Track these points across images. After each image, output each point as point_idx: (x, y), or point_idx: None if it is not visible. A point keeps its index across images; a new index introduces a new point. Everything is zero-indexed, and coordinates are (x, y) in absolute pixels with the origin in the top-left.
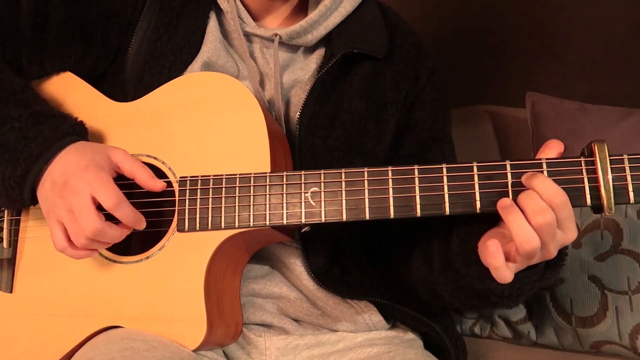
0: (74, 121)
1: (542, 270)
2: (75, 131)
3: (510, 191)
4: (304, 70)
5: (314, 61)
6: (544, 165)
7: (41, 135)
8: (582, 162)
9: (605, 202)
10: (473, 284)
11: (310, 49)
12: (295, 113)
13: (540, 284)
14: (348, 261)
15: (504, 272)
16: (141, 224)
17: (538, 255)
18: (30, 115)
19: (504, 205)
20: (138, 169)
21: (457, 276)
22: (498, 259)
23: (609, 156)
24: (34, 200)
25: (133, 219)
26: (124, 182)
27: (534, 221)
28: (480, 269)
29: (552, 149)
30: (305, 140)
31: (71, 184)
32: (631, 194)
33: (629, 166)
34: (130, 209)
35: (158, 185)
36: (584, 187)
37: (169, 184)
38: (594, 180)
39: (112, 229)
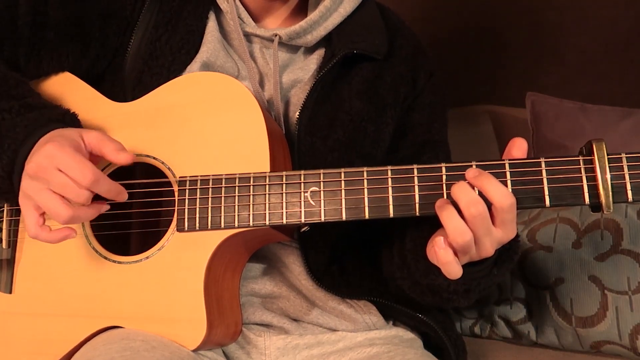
0: (64, 110)
1: (489, 267)
2: (64, 119)
3: (509, 189)
4: (303, 71)
5: (314, 61)
6: (542, 164)
7: (26, 120)
8: (581, 161)
9: (603, 200)
10: (421, 279)
11: (310, 50)
12: (295, 113)
13: (488, 280)
14: (347, 261)
15: (453, 268)
16: (123, 196)
17: (474, 250)
18: (21, 106)
19: (440, 204)
20: (106, 143)
21: (409, 271)
22: (447, 255)
23: (607, 155)
24: None
25: (115, 191)
26: (121, 183)
27: (467, 212)
28: (426, 264)
29: (517, 149)
30: (304, 141)
31: (35, 161)
32: (629, 193)
33: (627, 165)
34: (107, 181)
35: (126, 157)
36: (583, 185)
37: (169, 184)
38: (592, 179)
39: (106, 179)
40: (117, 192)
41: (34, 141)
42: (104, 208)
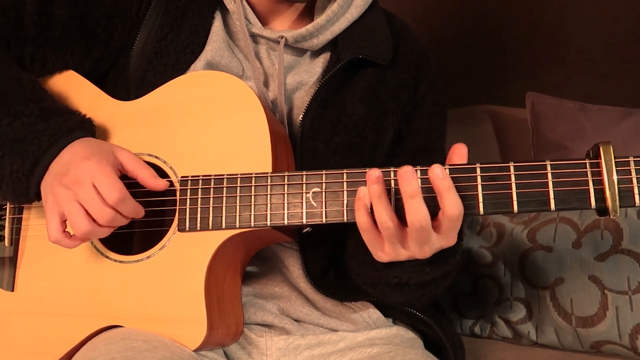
0: (82, 117)
1: (422, 264)
2: (84, 127)
3: (514, 193)
4: (309, 74)
5: (319, 65)
6: (548, 167)
7: (50, 129)
8: (587, 164)
9: (610, 204)
10: (360, 270)
11: (315, 53)
12: (298, 116)
13: (420, 276)
14: (344, 264)
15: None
16: (140, 213)
17: (412, 249)
18: (41, 110)
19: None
20: (140, 168)
21: (352, 264)
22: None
23: (615, 158)
24: (39, 196)
25: (135, 211)
26: (126, 182)
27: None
28: (364, 257)
29: (456, 155)
30: (307, 144)
31: (73, 174)
32: (637, 197)
33: (635, 168)
34: (132, 203)
35: (160, 184)
36: (589, 189)
37: (171, 183)
38: (599, 182)
39: (131, 199)
40: (137, 212)
41: (58, 150)
42: (119, 223)
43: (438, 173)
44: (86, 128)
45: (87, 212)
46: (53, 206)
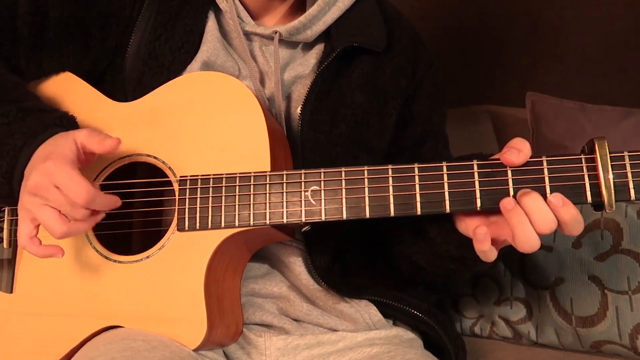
0: (60, 113)
1: None
2: (61, 123)
3: (510, 189)
4: (303, 66)
5: (313, 56)
6: (544, 163)
7: (25, 127)
8: (583, 160)
9: (605, 199)
10: (451, 252)
11: (309, 45)
12: (297, 109)
13: None
14: (349, 260)
15: (490, 254)
16: (117, 203)
17: None
18: (18, 110)
19: (509, 207)
20: (97, 141)
21: (432, 244)
22: (485, 244)
23: (610, 153)
24: None
25: (112, 202)
26: (122, 182)
27: (539, 230)
28: (459, 236)
29: (514, 147)
30: (307, 136)
31: (33, 179)
32: (632, 191)
33: (630, 163)
34: (102, 196)
35: (110, 141)
36: (585, 184)
37: (170, 183)
38: (594, 177)
39: (101, 195)
40: (113, 203)
41: (34, 148)
42: (99, 218)
43: (559, 202)
44: (64, 124)
45: (60, 213)
46: (22, 213)
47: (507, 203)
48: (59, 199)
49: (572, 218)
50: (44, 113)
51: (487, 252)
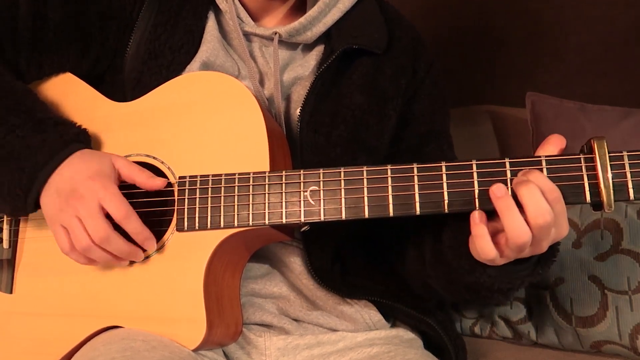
0: (77, 129)
1: (533, 266)
2: (79, 139)
3: (509, 189)
4: (303, 67)
5: (313, 58)
6: (544, 163)
7: (45, 144)
8: (582, 159)
9: (605, 199)
10: (464, 277)
11: (309, 46)
12: (296, 110)
13: (530, 279)
14: (348, 260)
15: (487, 247)
16: (150, 244)
17: (528, 250)
18: (34, 123)
19: (499, 194)
20: (137, 173)
21: (448, 269)
22: (480, 228)
23: (609, 153)
24: (36, 208)
25: (142, 235)
26: (122, 182)
27: (534, 222)
28: (470, 261)
29: (552, 145)
30: (307, 138)
31: (79, 192)
32: (631, 191)
33: (629, 163)
34: (139, 223)
35: (157, 183)
36: (584, 184)
37: (169, 184)
38: (593, 177)
39: (119, 238)
40: (145, 237)
41: (55, 165)
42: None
43: (522, 172)
44: (81, 139)
45: (84, 227)
46: (54, 220)
47: (498, 189)
48: (91, 213)
49: (550, 191)
50: (61, 127)
51: (482, 237)
